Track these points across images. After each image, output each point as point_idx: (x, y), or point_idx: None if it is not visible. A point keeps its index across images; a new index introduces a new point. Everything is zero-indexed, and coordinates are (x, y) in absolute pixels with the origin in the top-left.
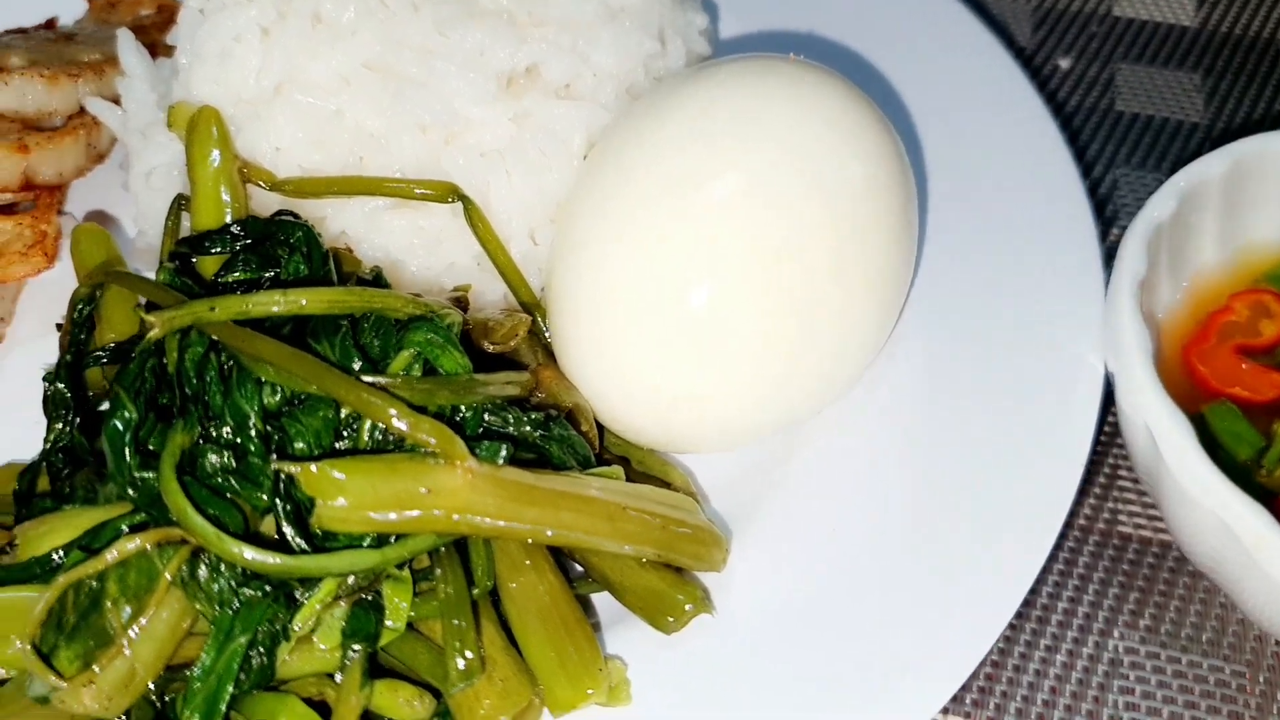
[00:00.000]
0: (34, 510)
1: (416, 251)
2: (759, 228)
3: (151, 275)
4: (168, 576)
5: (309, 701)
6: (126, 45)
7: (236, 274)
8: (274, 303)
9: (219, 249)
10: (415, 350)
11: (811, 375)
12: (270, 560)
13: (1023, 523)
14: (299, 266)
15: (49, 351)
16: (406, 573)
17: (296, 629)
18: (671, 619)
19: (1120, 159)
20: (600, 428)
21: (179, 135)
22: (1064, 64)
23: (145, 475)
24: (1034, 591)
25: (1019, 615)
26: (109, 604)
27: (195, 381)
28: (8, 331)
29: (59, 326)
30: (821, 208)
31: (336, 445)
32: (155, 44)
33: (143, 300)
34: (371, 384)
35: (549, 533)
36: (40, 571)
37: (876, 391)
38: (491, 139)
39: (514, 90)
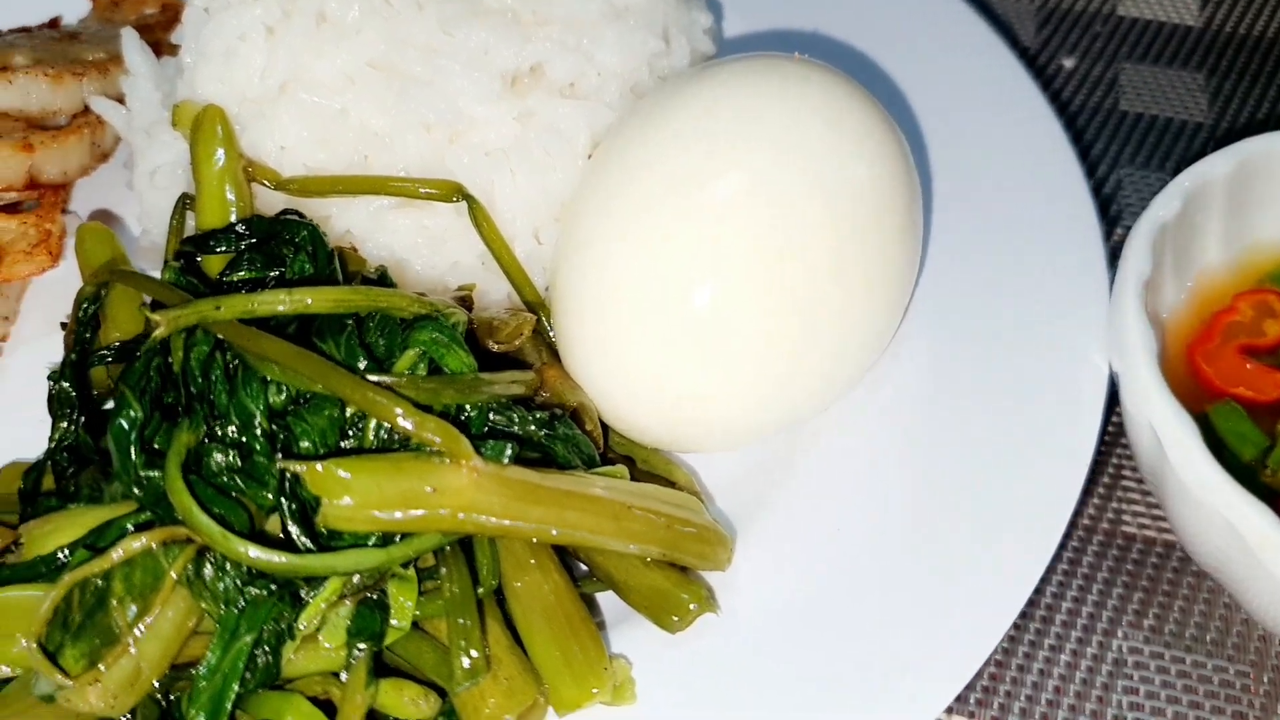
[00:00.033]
0: (39, 509)
1: (421, 250)
2: (763, 227)
3: (156, 274)
4: (173, 575)
5: (314, 700)
6: (131, 44)
7: (241, 273)
8: (279, 302)
9: (224, 248)
10: (420, 349)
11: (815, 374)
12: (275, 559)
13: (1027, 523)
14: (304, 265)
15: (53, 350)
16: (411, 572)
17: (302, 628)
18: (676, 618)
19: (1124, 159)
20: (604, 427)
21: (183, 134)
22: (1068, 63)
23: (151, 474)
24: (1038, 591)
25: (1023, 615)
26: (114, 603)
27: (200, 380)
28: (12, 330)
29: (64, 325)
30: (825, 207)
31: (342, 444)
32: (159, 43)
33: (148, 299)
34: (377, 383)
35: (554, 532)
36: (45, 570)
37: (880, 391)
38: (496, 138)
39: (518, 89)
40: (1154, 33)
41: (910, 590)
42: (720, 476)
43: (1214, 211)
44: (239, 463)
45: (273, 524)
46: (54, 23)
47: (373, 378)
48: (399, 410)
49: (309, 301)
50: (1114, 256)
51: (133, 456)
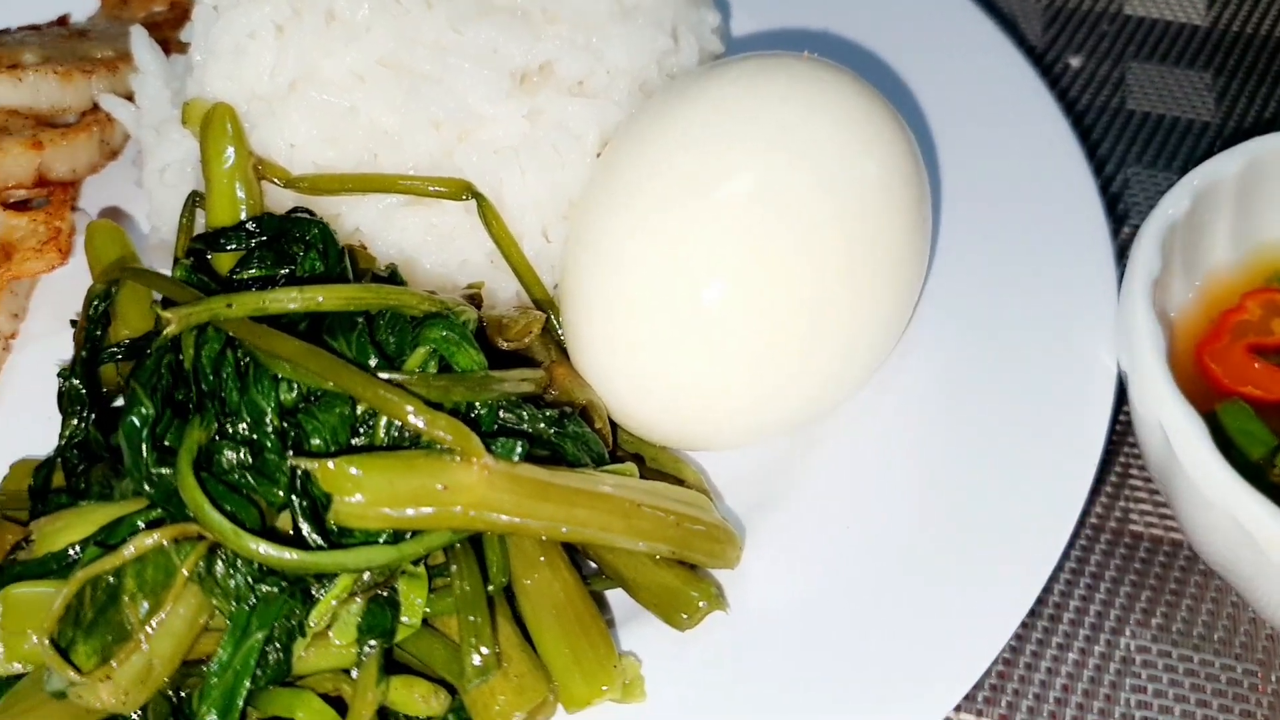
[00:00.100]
0: (50, 506)
1: (430, 248)
2: (771, 226)
3: (165, 271)
4: (185, 572)
5: (325, 697)
6: (140, 42)
7: (252, 271)
8: (291, 299)
9: (234, 246)
10: (431, 347)
11: (824, 373)
12: (287, 556)
13: (1035, 522)
14: (315, 263)
15: (62, 347)
16: (422, 569)
17: (313, 625)
18: (685, 616)
19: (1131, 158)
20: (613, 425)
21: (193, 132)
22: (1075, 62)
23: (162, 471)
24: (1046, 590)
25: (1031, 614)
26: (126, 599)
27: (212, 378)
28: (22, 327)
29: (74, 323)
30: (834, 206)
31: (352, 442)
32: (168, 40)
33: (159, 296)
34: (388, 380)
35: (564, 529)
36: (57, 567)
37: (889, 390)
38: (505, 136)
39: (527, 87)
40: (1161, 32)
41: (918, 589)
42: (729, 475)
43: (1223, 211)
44: (250, 460)
45: (284, 521)
46: (62, 20)
47: (384, 375)
48: (410, 408)
49: (320, 299)
50: (1121, 255)
51: (144, 454)
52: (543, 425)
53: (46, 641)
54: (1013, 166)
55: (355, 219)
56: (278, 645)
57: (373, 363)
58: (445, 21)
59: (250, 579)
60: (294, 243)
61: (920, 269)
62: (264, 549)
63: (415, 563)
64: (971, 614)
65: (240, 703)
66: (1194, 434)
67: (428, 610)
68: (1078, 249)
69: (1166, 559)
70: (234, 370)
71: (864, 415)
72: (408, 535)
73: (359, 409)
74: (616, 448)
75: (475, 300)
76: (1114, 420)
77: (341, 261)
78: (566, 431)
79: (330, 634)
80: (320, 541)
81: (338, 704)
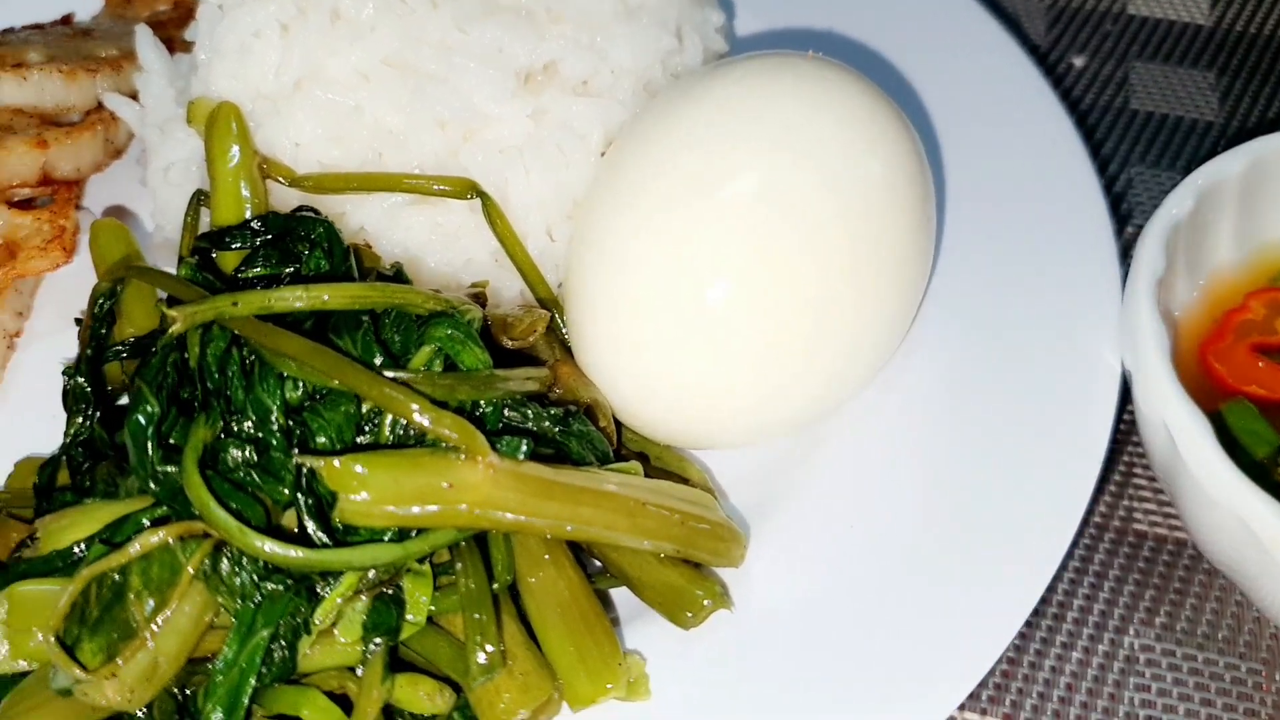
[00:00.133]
0: (54, 504)
1: (435, 247)
2: (775, 225)
3: (170, 270)
4: (190, 570)
5: (330, 695)
6: (145, 41)
7: (257, 269)
8: (296, 298)
9: (239, 244)
10: (436, 346)
11: (828, 372)
12: (292, 554)
13: (1039, 521)
14: (320, 262)
15: (67, 346)
16: (427, 567)
17: (318, 623)
18: (690, 614)
19: (1135, 157)
20: (618, 424)
21: (198, 131)
22: (1078, 62)
23: (167, 469)
24: (1050, 589)
25: (1035, 613)
26: (132, 597)
27: (217, 376)
28: (26, 326)
29: (78, 321)
30: (838, 205)
31: (358, 440)
32: (172, 40)
33: (163, 295)
34: (393, 379)
35: (569, 528)
36: (62, 565)
37: (893, 389)
38: (510, 135)
39: (532, 87)
40: (1164, 32)
41: (922, 588)
42: (733, 473)
43: (1226, 210)
44: (255, 458)
45: (289, 519)
46: (67, 19)
47: (389, 374)
48: (415, 406)
49: (326, 298)
50: (1124, 255)
51: (150, 452)
52: (547, 424)
53: (53, 639)
54: (1016, 166)
55: (360, 218)
56: (283, 643)
57: (378, 361)
58: (450, 21)
59: (256, 577)
60: (299, 241)
61: (925, 268)
62: (269, 547)
63: (420, 561)
64: (976, 614)
65: (245, 700)
66: (1199, 433)
67: (433, 608)
68: (1082, 248)
69: (1171, 558)
70: (239, 368)
71: (868, 414)
72: (413, 533)
73: (364, 407)
74: (621, 446)
75: (480, 299)
76: (1118, 420)
77: (347, 260)
78: (571, 430)
79: (335, 632)
80: (325, 539)
81: (343, 702)
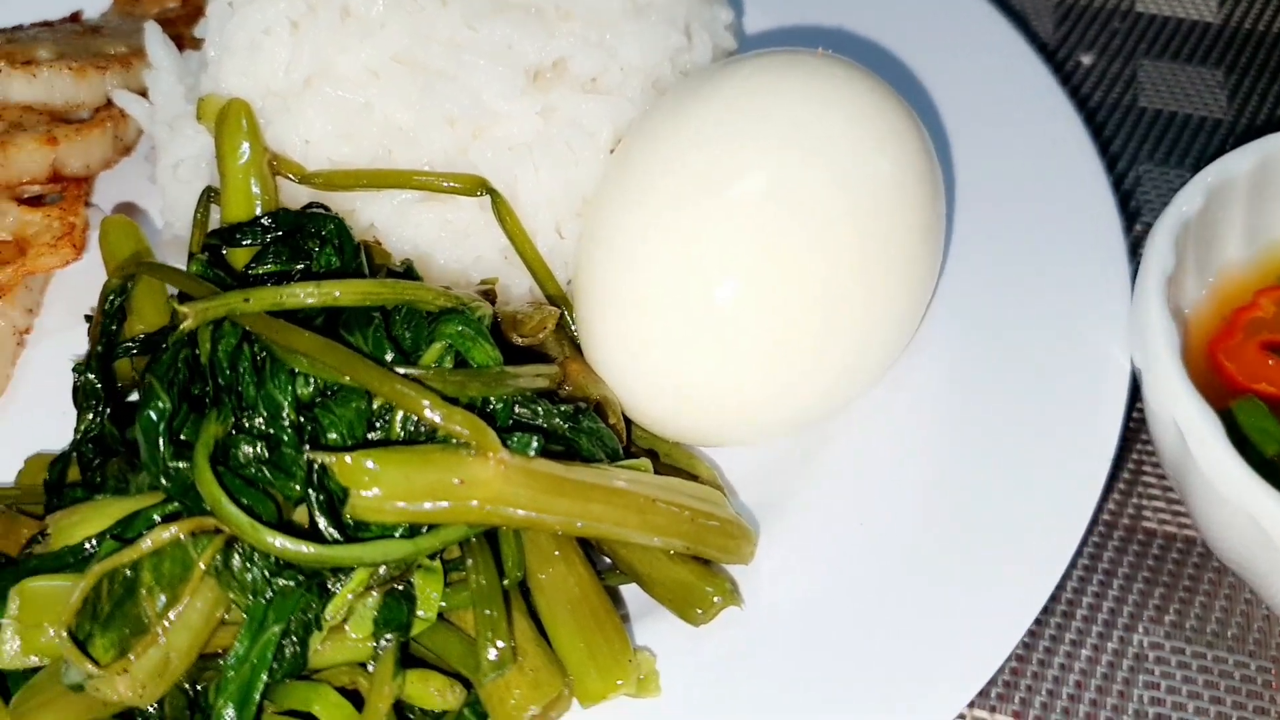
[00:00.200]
0: (65, 500)
1: (444, 244)
2: (785, 223)
3: (179, 267)
4: (202, 566)
5: (342, 691)
6: (154, 38)
7: (268, 266)
8: (308, 294)
9: (250, 241)
10: (447, 342)
11: (837, 370)
12: (303, 550)
13: (1049, 519)
14: (330, 259)
15: (76, 343)
16: (438, 563)
17: (329, 619)
18: (700, 611)
19: (1143, 155)
20: (627, 421)
21: (208, 128)
22: (1086, 60)
23: (179, 465)
24: (1059, 587)
25: (1044, 611)
26: (144, 593)
27: (228, 372)
28: (36, 323)
29: (88, 318)
30: (847, 203)
31: (369, 436)
32: (181, 37)
33: (174, 291)
34: (404, 375)
35: (579, 524)
36: (73, 560)
37: (902, 387)
38: (519, 133)
39: (541, 84)
40: (1173, 29)
41: (931, 585)
42: (742, 471)
43: (1236, 208)
44: (267, 454)
45: (300, 515)
46: (75, 17)
47: (400, 370)
48: (426, 402)
49: (337, 294)
50: (1133, 252)
51: (161, 448)
52: (558, 420)
53: (65, 634)
54: (1025, 164)
55: (370, 215)
56: (294, 639)
57: (389, 357)
58: (460, 18)
59: (267, 573)
60: (309, 238)
61: (933, 266)
62: (281, 543)
63: (431, 557)
64: (985, 612)
65: (257, 696)
66: (1209, 431)
67: (443, 604)
68: (1091, 246)
69: (1180, 556)
70: (250, 365)
71: (877, 412)
72: (424, 529)
73: (375, 403)
74: (630, 444)
75: (489, 296)
76: (1127, 418)
77: (357, 257)
78: (581, 427)
79: (346, 628)
80: (337, 535)
81: (354, 697)
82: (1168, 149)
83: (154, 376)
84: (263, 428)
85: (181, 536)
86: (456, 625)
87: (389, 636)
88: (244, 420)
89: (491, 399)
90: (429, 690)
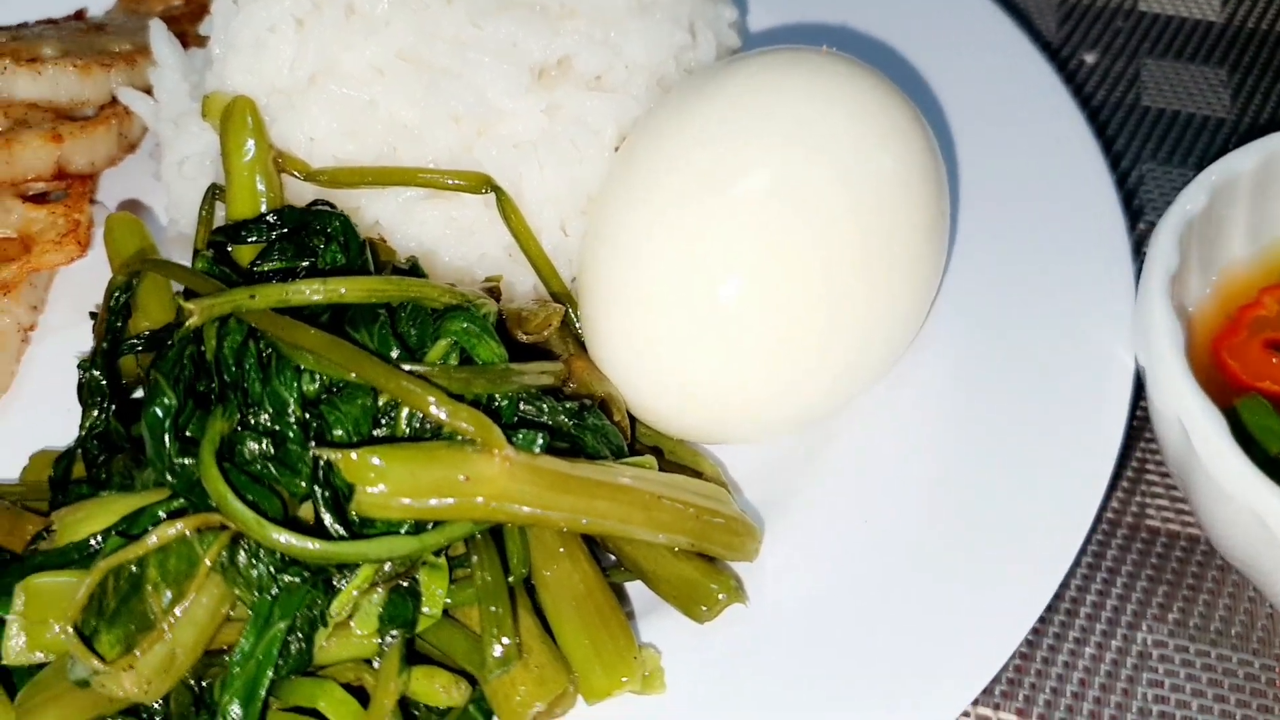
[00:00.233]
0: (70, 496)
1: (449, 242)
2: (788, 221)
3: (185, 264)
4: (207, 562)
5: (347, 687)
6: (159, 35)
7: (273, 263)
8: (314, 291)
9: (255, 238)
10: (452, 339)
11: (840, 368)
12: (309, 546)
13: (1053, 518)
14: (336, 256)
15: (80, 340)
16: (443, 560)
17: (334, 615)
18: (705, 608)
19: (1146, 154)
20: (631, 418)
21: (213, 125)
22: (1089, 59)
23: (184, 461)
24: (1063, 585)
25: (1048, 609)
26: (149, 588)
27: (234, 369)
28: (40, 320)
29: (93, 315)
30: (851, 201)
31: (374, 433)
32: (186, 34)
33: (179, 288)
34: (410, 372)
35: (584, 521)
36: (78, 557)
37: (906, 384)
38: (524, 130)
39: (546, 82)
40: (1176, 28)
41: (936, 583)
42: (746, 468)
43: (1239, 206)
44: (273, 450)
45: (306, 511)
46: (80, 14)
47: (406, 367)
48: (432, 399)
49: (343, 291)
50: (1136, 251)
51: (167, 444)
52: (563, 417)
53: (71, 629)
54: (1029, 162)
55: (375, 212)
56: (300, 635)
57: (394, 354)
58: (464, 16)
59: (273, 569)
60: (315, 235)
61: (938, 263)
62: (286, 539)
63: (436, 553)
64: (989, 610)
65: (262, 692)
66: (1213, 429)
67: (449, 601)
68: (1094, 244)
69: (1183, 554)
70: (256, 361)
71: (881, 410)
72: (429, 526)
73: (381, 400)
74: (635, 441)
75: (494, 293)
76: (1131, 416)
77: (363, 254)
78: (586, 424)
79: (352, 624)
80: (342, 532)
81: (359, 694)
82: (1171, 148)
83: (159, 373)
84: (268, 424)
85: (187, 533)
86: (462, 622)
87: (394, 633)
88: (250, 417)
89: (497, 396)
90: (434, 687)
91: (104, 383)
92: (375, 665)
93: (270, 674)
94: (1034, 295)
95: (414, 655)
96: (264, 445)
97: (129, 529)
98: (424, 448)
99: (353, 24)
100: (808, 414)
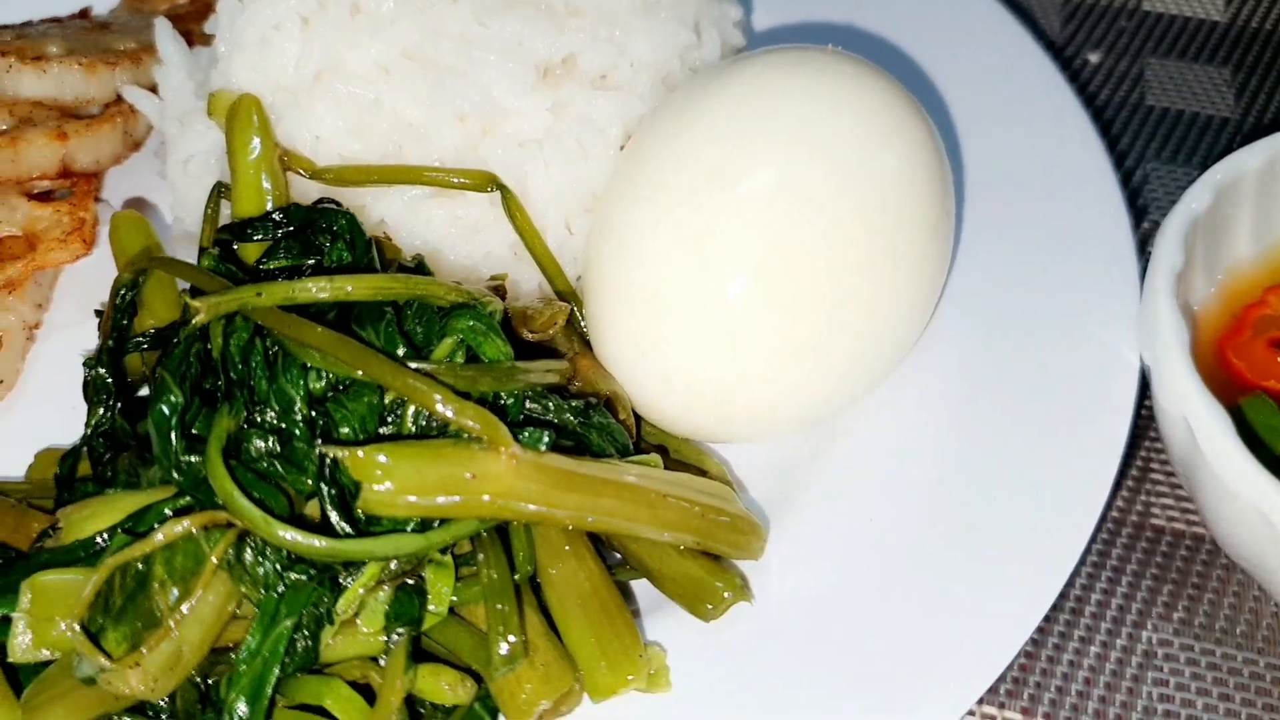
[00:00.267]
0: (76, 494)
1: (454, 240)
2: (793, 220)
3: (190, 262)
4: (214, 559)
5: (353, 685)
6: (164, 33)
7: (279, 260)
8: (320, 288)
9: (261, 236)
10: (459, 337)
11: (845, 367)
12: (315, 544)
13: (1057, 517)
14: (342, 254)
15: (86, 338)
16: (449, 558)
17: (341, 613)
18: (710, 606)
19: (1150, 153)
20: (637, 417)
21: (219, 123)
22: (1094, 58)
23: (191, 459)
24: (1068, 584)
25: (1053, 607)
26: (156, 586)
27: (240, 366)
28: (45, 318)
29: (98, 313)
30: (856, 200)
31: (381, 431)
32: (190, 33)
33: (185, 285)
34: (416, 370)
35: (590, 519)
36: (84, 554)
37: (911, 383)
38: (529, 129)
39: (551, 80)
40: (1180, 28)
41: (941, 582)
42: (751, 467)
43: (1244, 205)
44: (279, 448)
45: (312, 509)
46: (84, 13)
47: (412, 365)
48: (438, 397)
49: (349, 289)
50: (1141, 250)
51: (173, 441)
52: (568, 416)
53: (77, 627)
54: (1033, 161)
55: (380, 210)
56: (306, 633)
57: (401, 352)
58: (470, 14)
59: (279, 566)
60: (321, 233)
61: (942, 263)
62: (293, 536)
63: (442, 551)
64: (994, 608)
65: (269, 690)
66: (1218, 428)
67: (454, 599)
68: (1099, 244)
69: (1188, 553)
70: (263, 359)
71: (886, 409)
72: (435, 524)
73: (387, 398)
74: (640, 439)
75: (499, 292)
76: (1136, 415)
77: (369, 252)
78: (591, 422)
79: (358, 622)
80: (348, 529)
81: (365, 692)
82: (1175, 147)
83: (166, 371)
84: (275, 422)
85: (193, 530)
86: (468, 620)
87: (400, 631)
88: (256, 414)
89: (503, 394)
90: (440, 684)
91: (109, 380)
92: (381, 663)
93: (276, 671)
94: (1038, 294)
95: (420, 653)
96: (270, 443)
97: (135, 527)
98: (430, 445)
99: (358, 22)
100: (812, 413)
